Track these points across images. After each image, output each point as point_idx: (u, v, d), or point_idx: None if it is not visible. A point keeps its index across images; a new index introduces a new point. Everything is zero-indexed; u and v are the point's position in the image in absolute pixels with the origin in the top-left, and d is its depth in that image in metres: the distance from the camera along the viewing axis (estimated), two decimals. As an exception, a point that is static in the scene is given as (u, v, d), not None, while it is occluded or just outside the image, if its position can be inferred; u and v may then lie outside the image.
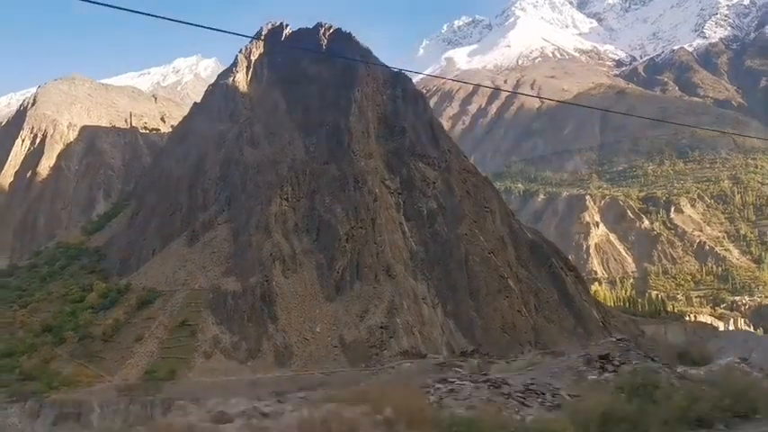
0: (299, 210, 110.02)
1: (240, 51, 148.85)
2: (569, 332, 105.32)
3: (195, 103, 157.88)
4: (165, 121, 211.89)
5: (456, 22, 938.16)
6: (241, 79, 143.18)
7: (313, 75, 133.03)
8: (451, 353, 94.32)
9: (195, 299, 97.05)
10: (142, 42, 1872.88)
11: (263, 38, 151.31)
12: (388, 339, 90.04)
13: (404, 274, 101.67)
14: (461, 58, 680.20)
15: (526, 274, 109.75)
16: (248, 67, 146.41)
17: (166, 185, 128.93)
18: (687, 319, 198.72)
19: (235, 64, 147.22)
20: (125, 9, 14.33)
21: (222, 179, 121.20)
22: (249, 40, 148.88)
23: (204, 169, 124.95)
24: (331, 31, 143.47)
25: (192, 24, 16.79)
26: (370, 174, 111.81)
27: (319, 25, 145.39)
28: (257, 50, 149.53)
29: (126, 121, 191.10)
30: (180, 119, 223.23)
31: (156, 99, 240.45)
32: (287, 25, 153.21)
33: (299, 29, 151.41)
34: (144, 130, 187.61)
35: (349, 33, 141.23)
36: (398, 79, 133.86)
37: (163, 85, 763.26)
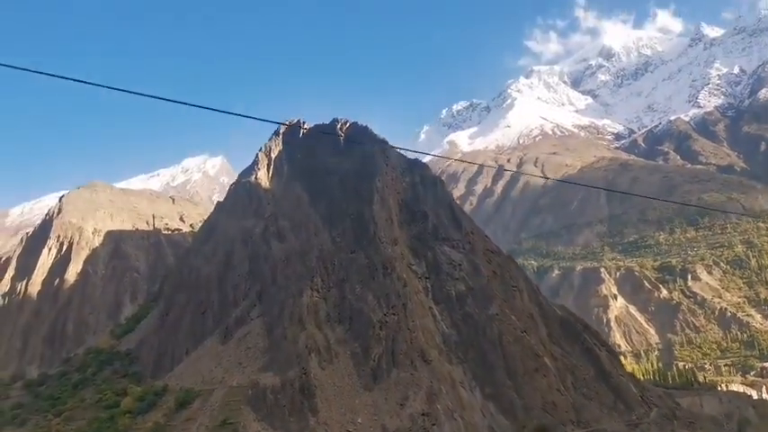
0: (329, 300, 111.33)
1: (260, 150, 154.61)
2: (609, 408, 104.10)
3: (219, 202, 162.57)
4: (184, 221, 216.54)
5: (455, 107, 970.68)
6: (263, 176, 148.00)
7: (333, 167, 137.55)
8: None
9: (234, 396, 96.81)
10: (151, 145, 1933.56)
11: (281, 135, 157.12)
12: (431, 426, 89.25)
13: (438, 358, 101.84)
14: (463, 140, 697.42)
15: (560, 351, 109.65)
16: (269, 165, 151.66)
17: (196, 284, 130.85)
18: (720, 388, 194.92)
19: (256, 162, 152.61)
20: (151, 96, 16.69)
21: (251, 274, 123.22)
22: (268, 138, 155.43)
23: (233, 265, 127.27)
24: (347, 125, 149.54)
25: (232, 113, 19.18)
26: (398, 260, 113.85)
27: (336, 120, 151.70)
28: (276, 147, 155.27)
29: (148, 223, 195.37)
30: (197, 217, 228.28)
31: (173, 200, 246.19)
32: (304, 122, 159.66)
33: (316, 125, 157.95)
34: (166, 231, 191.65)
35: (365, 126, 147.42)
36: (416, 166, 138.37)
37: (173, 185, 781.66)
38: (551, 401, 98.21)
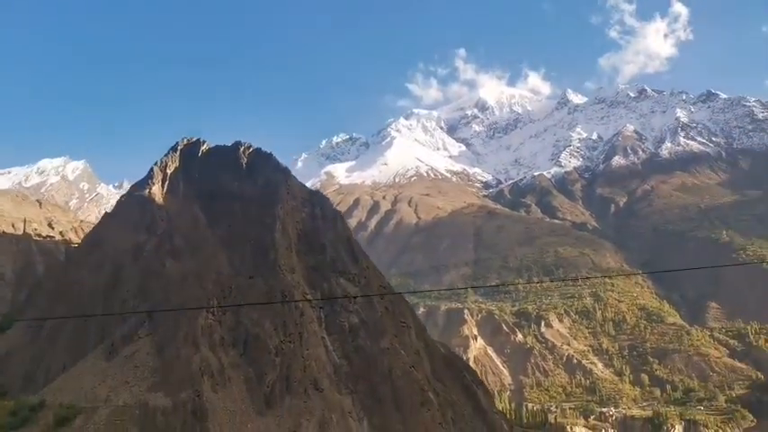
0: (224, 323, 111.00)
1: (156, 164, 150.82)
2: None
3: (107, 213, 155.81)
4: (53, 228, 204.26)
5: (334, 139, 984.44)
6: (157, 191, 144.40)
7: (234, 191, 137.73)
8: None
9: (120, 416, 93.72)
10: (3, 141, 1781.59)
11: (178, 152, 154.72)
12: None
13: (330, 388, 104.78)
14: (340, 172, 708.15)
15: (442, 387, 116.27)
16: (164, 180, 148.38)
17: (78, 296, 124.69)
18: (568, 430, 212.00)
19: (150, 176, 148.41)
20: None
21: (141, 291, 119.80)
22: (165, 153, 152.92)
23: (122, 280, 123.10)
24: (250, 149, 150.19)
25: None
26: (296, 288, 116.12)
27: (238, 144, 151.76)
28: (173, 164, 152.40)
29: (14, 227, 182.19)
30: (66, 225, 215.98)
31: (40, 204, 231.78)
32: (204, 141, 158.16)
33: (217, 146, 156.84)
34: (37, 238, 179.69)
35: (269, 153, 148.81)
36: (317, 198, 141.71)
37: (25, 185, 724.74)
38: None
